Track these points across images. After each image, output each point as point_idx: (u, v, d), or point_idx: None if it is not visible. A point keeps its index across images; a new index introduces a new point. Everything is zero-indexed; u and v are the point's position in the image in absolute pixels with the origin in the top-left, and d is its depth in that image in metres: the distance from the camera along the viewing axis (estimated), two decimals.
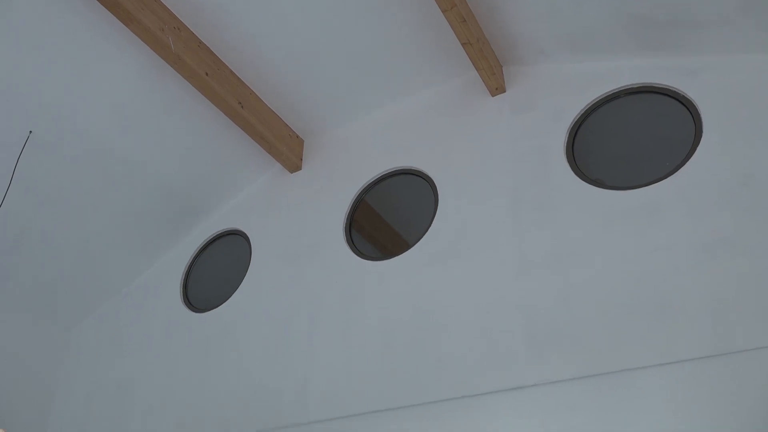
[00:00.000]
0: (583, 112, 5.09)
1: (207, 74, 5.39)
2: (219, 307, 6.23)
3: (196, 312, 6.40)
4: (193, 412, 5.68)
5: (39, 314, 6.89)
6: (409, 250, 5.34)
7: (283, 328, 5.63)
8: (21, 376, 6.58)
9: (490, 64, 5.28)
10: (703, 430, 3.58)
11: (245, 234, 6.60)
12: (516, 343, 4.42)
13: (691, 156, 4.43)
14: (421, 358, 4.75)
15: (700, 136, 4.45)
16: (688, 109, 4.65)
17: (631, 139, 4.98)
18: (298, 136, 6.61)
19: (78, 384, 6.78)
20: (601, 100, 5.06)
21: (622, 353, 4.01)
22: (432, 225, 5.34)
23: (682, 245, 4.13)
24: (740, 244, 3.94)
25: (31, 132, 5.44)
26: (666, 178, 4.44)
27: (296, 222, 6.25)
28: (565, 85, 5.26)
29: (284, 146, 6.32)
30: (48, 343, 6.99)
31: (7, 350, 6.50)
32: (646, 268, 4.18)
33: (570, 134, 5.06)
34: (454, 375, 4.54)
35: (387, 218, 6.30)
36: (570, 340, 4.23)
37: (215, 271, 6.86)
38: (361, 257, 5.60)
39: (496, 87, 5.51)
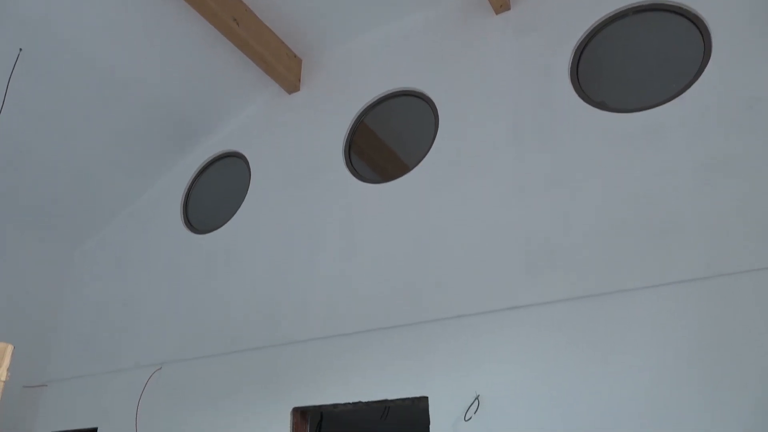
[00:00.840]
0: (589, 31, 4.93)
1: None
2: (219, 229, 6.29)
3: (197, 233, 6.47)
4: (196, 329, 5.85)
5: (43, 234, 6.97)
6: (409, 173, 5.32)
7: (284, 249, 5.70)
8: (28, 293, 6.73)
9: None
10: (695, 351, 3.69)
11: (244, 156, 6.57)
12: (513, 264, 4.48)
13: (698, 77, 4.33)
14: (420, 277, 4.83)
15: (709, 57, 4.34)
16: (698, 27, 4.50)
17: (638, 60, 4.85)
18: (296, 56, 6.44)
19: (83, 302, 6.95)
20: (608, 18, 4.90)
21: (618, 275, 4.07)
22: (432, 147, 5.29)
23: (684, 168, 4.11)
24: (743, 168, 3.91)
25: (21, 50, 5.30)
26: (671, 100, 4.36)
27: (295, 144, 6.21)
28: (572, 3, 5.07)
29: (282, 66, 6.17)
30: (53, 263, 7.11)
31: (13, 269, 6.62)
32: (646, 191, 4.18)
33: (575, 55, 4.93)
34: (452, 294, 4.63)
35: (387, 141, 6.24)
36: (567, 261, 4.28)
37: (215, 194, 6.87)
38: (361, 180, 5.59)
39: (501, 4, 5.32)
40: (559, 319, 4.15)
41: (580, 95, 4.75)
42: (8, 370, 3.05)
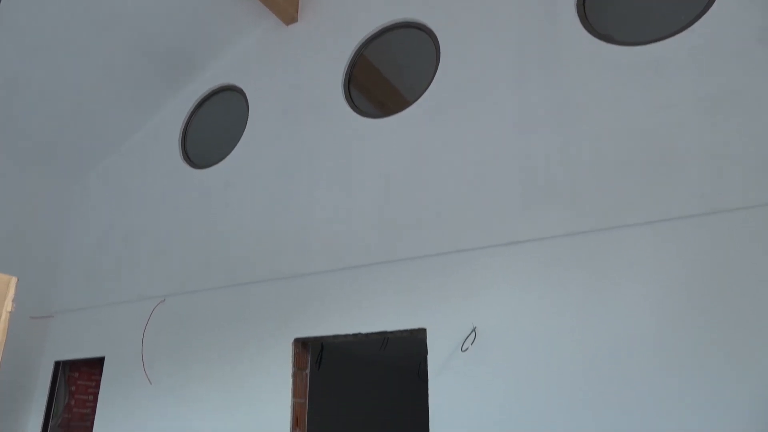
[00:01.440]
0: None
1: None
2: (218, 164, 6.27)
3: (195, 168, 6.45)
4: (197, 263, 5.93)
5: (43, 169, 6.96)
6: (409, 108, 5.25)
7: (283, 184, 5.70)
8: (31, 228, 6.78)
9: None
10: (693, 287, 3.74)
11: (241, 90, 6.47)
12: (513, 199, 4.48)
13: (707, 10, 4.20)
14: (419, 213, 4.85)
15: None
16: None
17: None
18: None
19: (86, 235, 7.01)
20: None
21: (617, 211, 4.08)
22: (433, 81, 5.20)
23: (688, 103, 4.05)
24: (747, 103, 3.86)
25: None
26: (678, 33, 4.25)
27: (293, 77, 6.10)
28: None
29: None
30: (54, 197, 7.14)
31: (15, 203, 6.64)
32: (649, 126, 4.14)
33: None
34: (451, 229, 4.66)
35: (387, 74, 6.12)
36: (566, 196, 4.29)
37: (213, 128, 6.81)
38: (361, 115, 5.52)
39: None
40: (556, 255, 4.20)
41: (586, 27, 4.63)
42: (14, 301, 3.11)
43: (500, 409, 4.05)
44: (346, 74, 5.76)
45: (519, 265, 4.32)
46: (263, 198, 5.77)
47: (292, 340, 5.06)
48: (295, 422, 4.85)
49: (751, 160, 3.75)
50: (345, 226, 5.19)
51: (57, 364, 6.55)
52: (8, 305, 3.26)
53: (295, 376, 4.97)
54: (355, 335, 4.82)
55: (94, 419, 6.04)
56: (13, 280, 3.30)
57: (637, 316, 3.81)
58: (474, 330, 4.28)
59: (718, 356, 3.54)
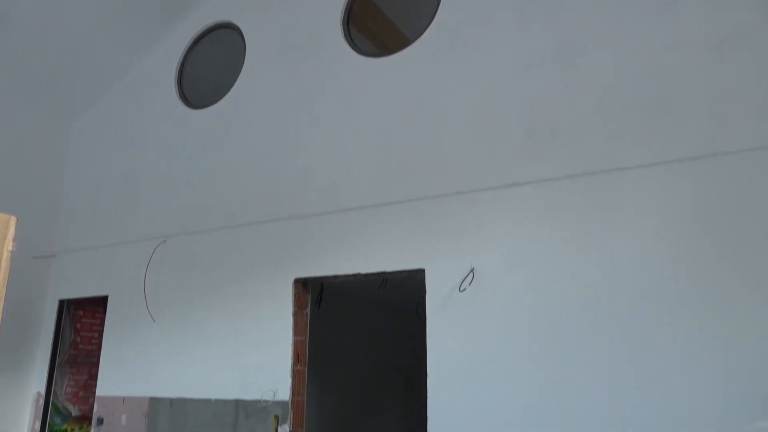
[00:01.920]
0: None
1: None
2: (216, 104, 6.18)
3: (193, 109, 6.36)
4: (197, 204, 5.93)
5: (39, 109, 6.87)
6: (410, 47, 5.13)
7: (281, 124, 5.64)
8: (30, 168, 6.76)
9: None
10: (694, 230, 3.76)
11: (238, 27, 6.31)
12: (514, 141, 4.45)
13: None
14: (419, 154, 4.82)
15: None
16: None
17: None
18: None
19: (85, 176, 6.99)
20: None
21: (619, 152, 4.05)
22: (434, 20, 5.06)
23: (696, 42, 3.96)
24: (756, 44, 3.76)
25: None
26: None
27: (291, 14, 5.93)
28: None
29: None
30: (51, 137, 7.08)
31: (13, 144, 6.59)
32: (654, 66, 4.06)
33: None
34: (451, 171, 4.64)
35: (387, 11, 5.96)
36: (568, 138, 4.25)
37: (210, 68, 6.68)
38: (360, 54, 5.40)
39: None
40: (557, 197, 4.19)
41: None
42: (14, 240, 3.12)
43: (497, 347, 4.15)
44: (345, 11, 5.60)
45: (519, 207, 4.32)
46: (262, 139, 5.72)
47: (292, 280, 5.12)
48: (296, 358, 4.97)
49: (757, 102, 3.70)
50: (345, 167, 5.17)
51: (61, 302, 6.66)
52: (9, 244, 3.28)
53: (295, 315, 5.06)
54: (354, 275, 4.87)
55: (99, 355, 6.19)
56: (13, 219, 3.31)
57: (638, 258, 3.84)
58: (472, 271, 4.33)
59: (720, 297, 3.59)
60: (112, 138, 6.93)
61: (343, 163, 5.18)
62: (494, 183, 4.44)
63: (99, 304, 6.85)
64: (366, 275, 4.84)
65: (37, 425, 6.33)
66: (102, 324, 6.50)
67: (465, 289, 4.32)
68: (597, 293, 3.92)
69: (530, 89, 4.47)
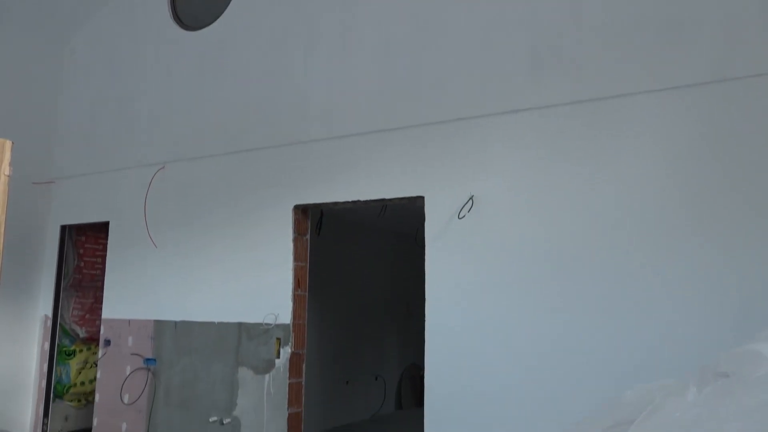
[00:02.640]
0: None
1: None
2: (211, 26, 5.99)
3: (187, 30, 6.17)
4: (195, 130, 5.86)
5: (31, 28, 6.66)
6: None
7: (280, 46, 5.48)
8: (23, 93, 6.64)
9: None
10: (700, 156, 3.72)
11: None
12: (518, 65, 4.34)
13: None
14: (420, 79, 4.71)
15: None
16: None
17: None
18: None
19: (80, 100, 6.88)
20: None
21: (624, 78, 3.96)
22: None
23: None
24: None
25: None
26: None
27: None
28: None
29: None
30: (43, 62, 6.91)
31: (5, 68, 6.44)
32: None
33: None
34: (452, 96, 4.56)
35: None
36: (573, 63, 4.14)
37: None
38: None
39: None
40: (560, 124, 4.13)
41: None
42: (10, 165, 3.09)
43: (495, 274, 4.20)
44: None
45: (521, 133, 4.27)
46: (259, 62, 5.59)
47: (292, 206, 5.13)
48: (297, 284, 5.06)
49: (764, 24, 3.57)
50: (344, 92, 5.07)
51: (63, 228, 6.71)
52: (5, 168, 3.25)
53: (295, 241, 5.10)
54: (353, 202, 4.88)
55: (104, 280, 6.30)
56: (8, 143, 3.27)
57: (640, 186, 3.83)
58: (471, 198, 4.32)
59: (724, 224, 3.60)
60: (105, 60, 6.76)
61: (343, 88, 5.08)
62: (496, 109, 4.36)
63: (101, 229, 6.91)
64: (365, 202, 4.84)
65: (47, 346, 6.53)
66: (104, 249, 6.58)
67: (464, 216, 4.33)
68: (597, 221, 3.93)
69: (535, 12, 4.31)
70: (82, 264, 6.97)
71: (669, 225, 3.71)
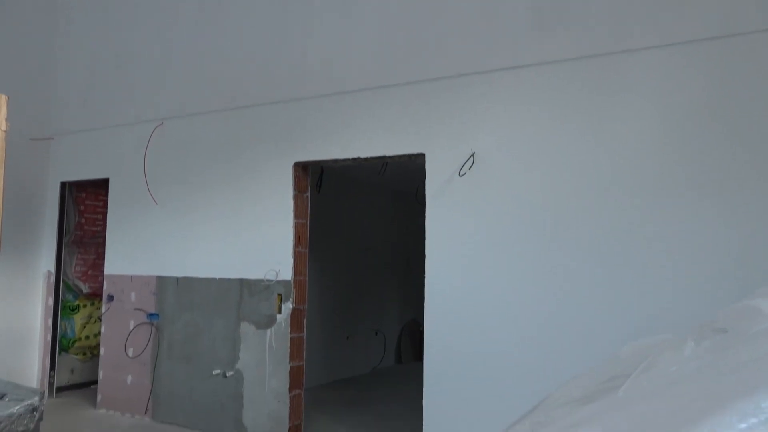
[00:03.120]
0: None
1: None
2: None
3: None
4: (193, 85, 5.78)
5: None
6: None
7: (279, 1, 5.36)
8: (18, 49, 6.52)
9: None
10: (703, 112, 3.69)
11: None
12: (519, 21, 4.25)
13: None
14: (420, 34, 4.63)
15: None
16: None
17: None
18: None
19: (76, 55, 6.76)
20: None
21: (627, 33, 3.89)
22: None
23: None
24: None
25: None
26: None
27: None
28: None
29: None
30: (37, 16, 6.76)
31: (4, 22, 6.34)
32: None
33: None
34: (453, 52, 4.48)
35: None
36: (575, 18, 4.06)
37: None
38: None
39: None
40: (562, 80, 4.08)
41: None
42: (6, 120, 3.07)
43: (495, 230, 4.21)
44: None
45: (522, 90, 4.22)
46: (257, 16, 5.47)
47: (292, 163, 5.11)
48: (298, 240, 5.08)
49: None
50: (344, 48, 4.98)
51: (63, 184, 6.70)
52: (2, 123, 3.22)
53: (296, 198, 5.10)
54: (354, 159, 4.85)
55: (105, 237, 6.33)
56: (3, 98, 3.23)
57: (643, 142, 3.81)
58: (473, 155, 4.30)
59: (725, 182, 3.60)
60: (102, 14, 6.62)
61: (343, 43, 4.99)
62: (497, 65, 4.30)
63: (101, 186, 6.90)
64: (366, 159, 4.82)
65: (51, 301, 6.60)
66: (105, 206, 6.59)
67: (465, 173, 4.31)
68: (599, 177, 3.92)
69: None
70: (83, 220, 6.99)
71: (669, 182, 3.70)
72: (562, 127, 4.05)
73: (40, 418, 2.34)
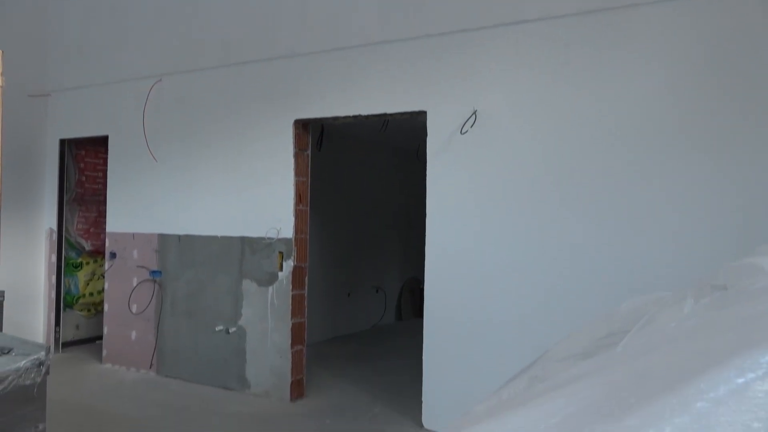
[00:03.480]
0: None
1: None
2: None
3: None
4: (190, 40, 5.68)
5: None
6: None
7: None
8: (16, 1, 6.38)
9: None
10: (707, 67, 3.63)
11: None
12: None
13: None
14: None
15: None
16: None
17: None
18: None
19: (72, 9, 6.62)
20: None
21: None
22: None
23: None
24: None
25: None
26: None
27: None
28: None
29: None
30: None
31: None
32: None
33: None
34: (455, 7, 4.38)
35: None
36: None
37: None
38: None
39: None
40: (565, 36, 4.00)
41: None
42: (2, 75, 3.02)
43: (497, 188, 4.20)
44: None
45: (526, 45, 4.14)
46: None
47: (292, 121, 5.06)
48: (298, 199, 5.07)
49: None
50: (345, 3, 4.87)
51: (62, 141, 6.66)
52: None
53: (296, 156, 5.07)
54: (355, 117, 4.81)
55: (106, 194, 6.32)
56: None
57: (646, 98, 3.77)
58: (475, 113, 4.25)
59: (727, 139, 3.57)
60: None
61: None
62: (500, 20, 4.21)
63: (100, 144, 6.86)
64: (367, 117, 4.77)
65: (54, 258, 6.65)
66: (105, 163, 6.56)
67: (467, 131, 4.28)
68: (600, 135, 3.89)
69: None
70: (84, 178, 6.98)
71: (671, 139, 3.68)
72: (565, 83, 3.99)
73: (47, 372, 2.38)
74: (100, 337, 6.58)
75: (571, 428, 0.75)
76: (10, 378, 2.26)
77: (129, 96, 6.03)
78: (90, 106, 6.38)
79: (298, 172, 5.08)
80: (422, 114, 4.51)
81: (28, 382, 2.33)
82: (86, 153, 6.98)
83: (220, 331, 5.38)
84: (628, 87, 3.81)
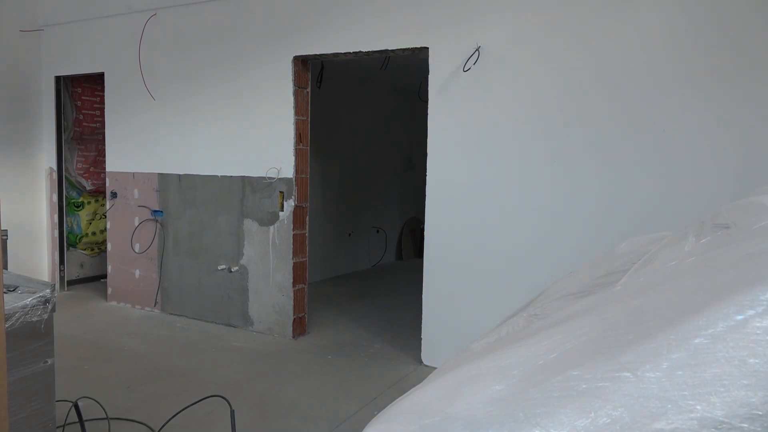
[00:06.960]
0: None
1: None
2: None
3: None
4: None
5: None
6: None
7: None
8: None
9: None
10: (699, 18, 3.52)
11: None
12: None
13: None
14: None
15: None
16: None
17: None
18: None
19: None
20: None
21: None
22: None
23: None
24: None
25: None
26: None
27: None
28: None
29: None
30: None
31: None
32: None
33: None
34: None
35: None
36: None
37: None
38: None
39: None
40: None
41: None
42: None
43: (500, 127, 4.15)
44: None
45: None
46: None
47: (291, 57, 4.95)
48: (299, 138, 5.02)
49: None
50: None
51: (58, 78, 6.54)
52: None
53: (296, 94, 4.99)
54: (355, 53, 4.70)
55: (104, 133, 6.26)
56: None
57: (649, 40, 3.67)
58: (478, 49, 4.15)
59: (725, 86, 3.50)
60: None
61: None
62: None
63: (97, 81, 6.74)
64: (368, 53, 4.66)
65: (55, 198, 6.65)
66: (102, 101, 6.46)
67: (469, 69, 4.19)
68: (603, 75, 3.81)
69: None
70: (82, 117, 6.89)
71: (675, 80, 3.60)
72: (570, 20, 3.88)
73: (53, 309, 2.41)
74: (105, 276, 6.67)
75: (569, 364, 0.76)
76: (17, 315, 2.29)
77: (124, 31, 5.88)
78: (84, 41, 6.23)
79: (298, 110, 5.01)
80: (424, 50, 4.40)
81: (35, 318, 2.37)
82: (83, 90, 6.86)
83: (222, 270, 5.44)
84: (630, 27, 3.70)
